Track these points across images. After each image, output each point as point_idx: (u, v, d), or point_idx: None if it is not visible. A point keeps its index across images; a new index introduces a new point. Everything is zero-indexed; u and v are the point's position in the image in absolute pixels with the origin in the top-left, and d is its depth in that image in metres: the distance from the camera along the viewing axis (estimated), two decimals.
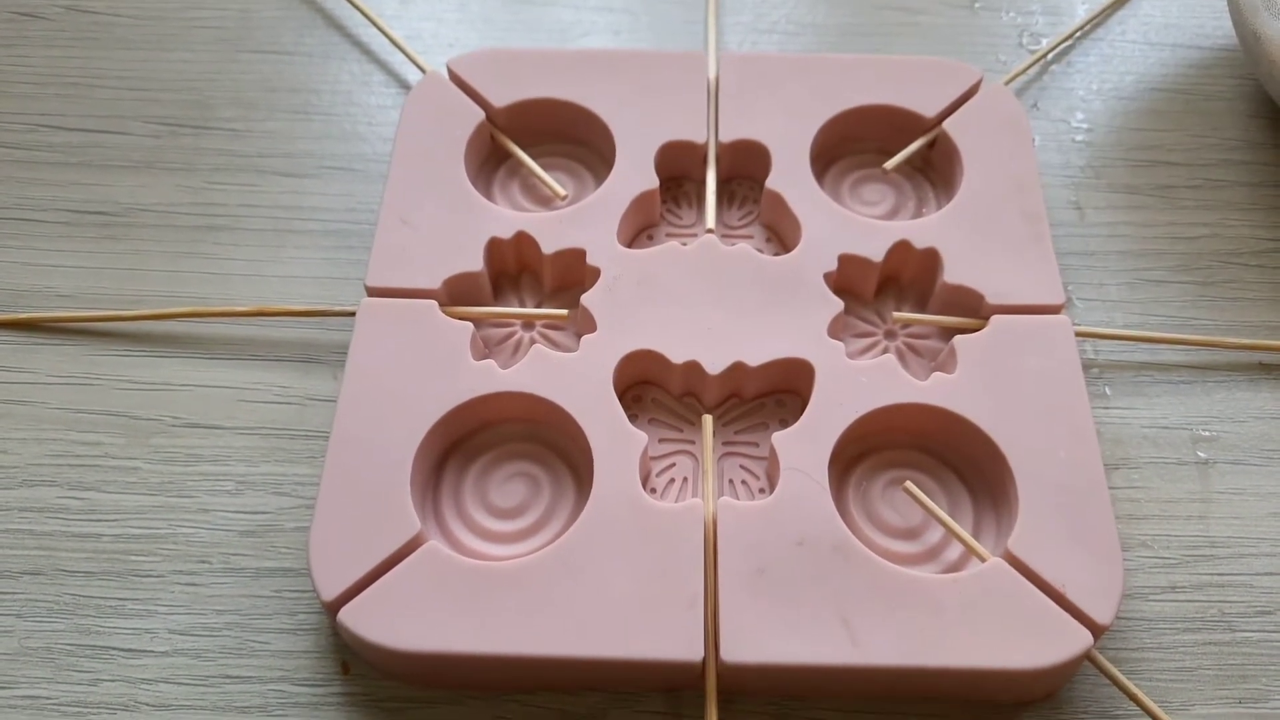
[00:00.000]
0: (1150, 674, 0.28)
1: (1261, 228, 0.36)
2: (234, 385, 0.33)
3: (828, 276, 0.32)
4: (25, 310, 0.34)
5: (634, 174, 0.34)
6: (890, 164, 0.35)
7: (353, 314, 0.32)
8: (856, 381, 0.30)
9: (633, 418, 0.31)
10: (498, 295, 0.34)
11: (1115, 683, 0.27)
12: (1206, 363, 0.34)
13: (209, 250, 0.36)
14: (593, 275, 0.32)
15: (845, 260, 0.33)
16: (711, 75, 0.37)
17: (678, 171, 0.36)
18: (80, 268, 0.35)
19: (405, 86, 0.40)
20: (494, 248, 0.33)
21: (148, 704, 0.28)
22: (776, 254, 0.34)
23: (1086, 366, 0.33)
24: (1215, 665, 0.28)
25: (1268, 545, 0.30)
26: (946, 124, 0.36)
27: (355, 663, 0.28)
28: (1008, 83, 0.39)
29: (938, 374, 0.31)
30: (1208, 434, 0.32)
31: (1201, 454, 0.32)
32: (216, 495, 0.31)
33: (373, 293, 0.32)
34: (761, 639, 0.26)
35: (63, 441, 0.32)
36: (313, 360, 0.33)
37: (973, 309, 0.32)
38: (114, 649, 0.28)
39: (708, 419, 0.31)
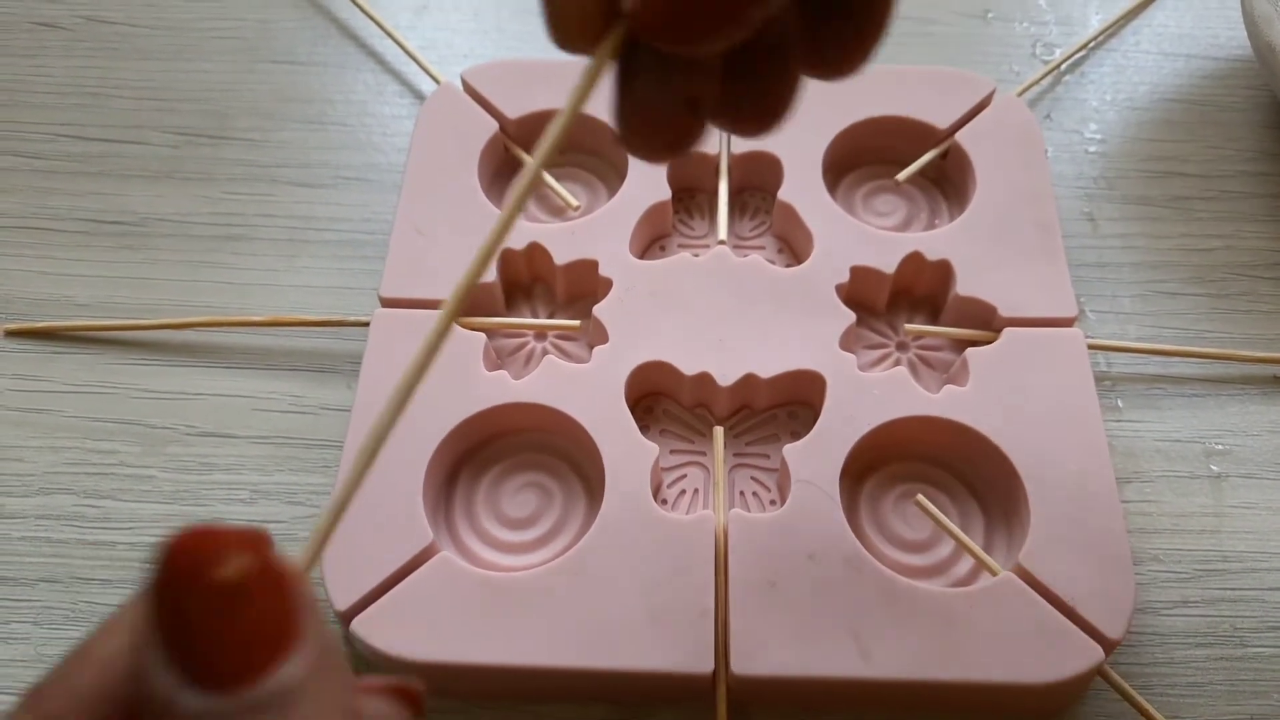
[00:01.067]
0: (1162, 689, 0.28)
1: (1276, 240, 0.36)
2: (249, 394, 0.33)
3: (839, 288, 0.32)
4: (43, 319, 0.34)
5: (646, 185, 0.34)
6: (902, 175, 0.35)
7: (367, 324, 0.32)
8: (868, 394, 0.30)
9: (644, 429, 0.31)
10: (510, 306, 0.34)
11: (1126, 698, 0.27)
12: (1220, 376, 0.33)
13: (225, 260, 0.36)
14: (605, 286, 0.33)
15: (857, 272, 0.33)
16: None
17: (690, 183, 0.36)
18: (98, 277, 0.35)
19: (420, 97, 0.40)
20: (507, 258, 0.33)
21: None
22: (788, 265, 0.34)
23: (1099, 379, 0.33)
24: (1227, 680, 0.28)
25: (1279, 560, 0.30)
26: (959, 135, 0.36)
27: (368, 673, 0.28)
28: (1021, 93, 0.38)
29: (949, 386, 0.31)
30: (1221, 447, 0.32)
31: (1214, 467, 0.32)
32: (231, 504, 0.31)
33: (386, 303, 0.32)
34: (772, 651, 0.26)
35: (79, 450, 0.32)
36: (327, 370, 0.33)
37: (985, 321, 0.32)
38: None
39: (719, 430, 0.31)
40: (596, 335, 0.32)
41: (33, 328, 0.34)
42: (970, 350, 0.31)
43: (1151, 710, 0.27)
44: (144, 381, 0.33)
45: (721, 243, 0.34)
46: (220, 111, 0.40)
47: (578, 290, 0.34)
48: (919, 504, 0.29)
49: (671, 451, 0.31)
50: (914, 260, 0.33)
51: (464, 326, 0.32)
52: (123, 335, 0.34)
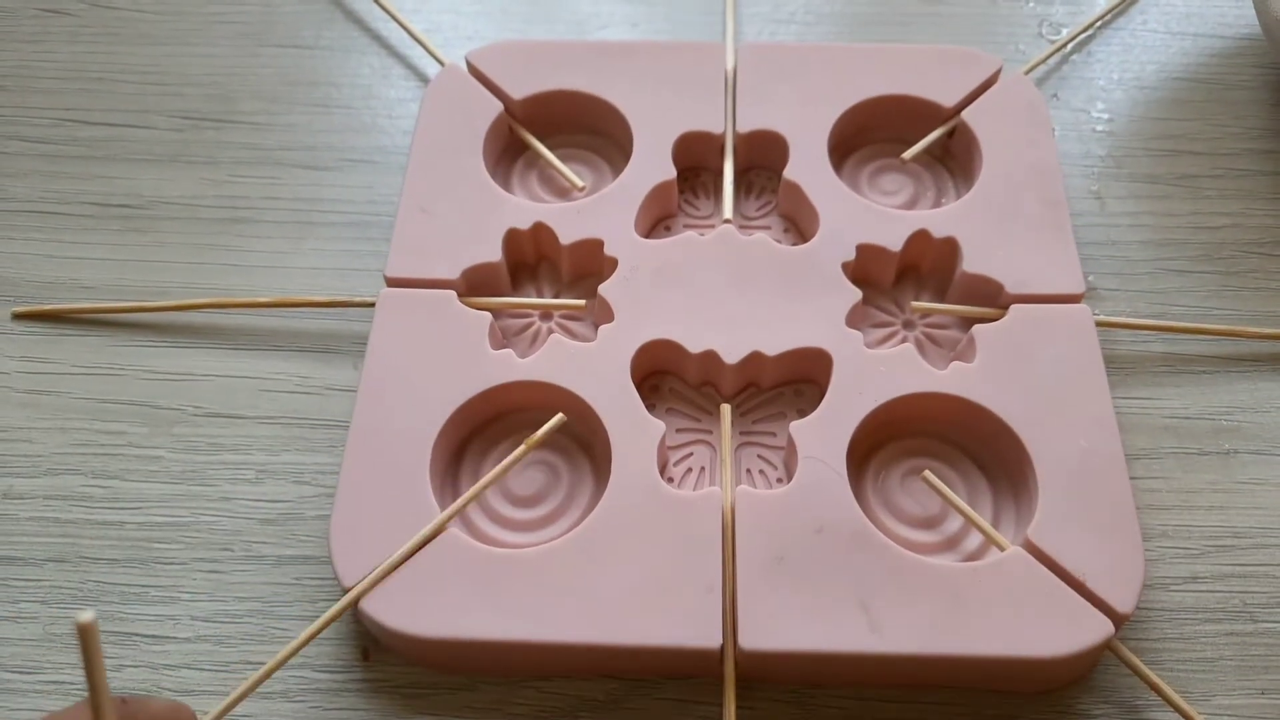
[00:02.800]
0: (1171, 664, 0.28)
1: None
2: (255, 375, 0.33)
3: (846, 266, 0.32)
4: (51, 302, 0.34)
5: (651, 165, 0.34)
6: (908, 154, 0.35)
7: (372, 304, 0.32)
8: (875, 371, 0.30)
9: (650, 407, 0.31)
10: (516, 285, 0.34)
11: (1136, 672, 0.27)
12: (1229, 353, 0.33)
13: (231, 242, 0.36)
14: (610, 265, 0.33)
15: (863, 250, 0.33)
16: (729, 65, 0.37)
17: (695, 162, 0.36)
18: (105, 260, 0.35)
19: (424, 79, 0.40)
20: (512, 238, 0.33)
21: (171, 689, 0.28)
22: (794, 244, 0.34)
23: (1107, 356, 0.33)
24: (1237, 655, 0.28)
25: None
26: (965, 113, 0.35)
27: (376, 649, 0.28)
28: (1027, 72, 0.38)
29: (957, 363, 0.31)
30: (1230, 424, 0.32)
31: (1224, 444, 0.32)
32: (238, 484, 0.31)
33: (392, 283, 0.32)
34: (780, 626, 0.26)
35: (87, 431, 0.32)
36: (333, 350, 0.33)
37: (992, 298, 0.32)
38: (137, 635, 0.29)
39: (726, 408, 0.31)
40: (602, 314, 0.32)
41: (41, 310, 0.34)
42: (977, 327, 0.31)
43: (1161, 684, 0.27)
44: (151, 363, 0.33)
45: (727, 222, 0.34)
46: (225, 95, 0.40)
47: (583, 270, 0.34)
48: (926, 480, 0.29)
49: (678, 430, 0.31)
50: (920, 238, 0.33)
51: (470, 306, 0.32)
52: (130, 317, 0.34)
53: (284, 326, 0.34)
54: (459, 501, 0.28)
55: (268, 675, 0.27)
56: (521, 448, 0.29)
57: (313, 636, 0.27)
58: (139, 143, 0.38)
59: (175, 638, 0.29)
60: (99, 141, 0.38)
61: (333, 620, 0.27)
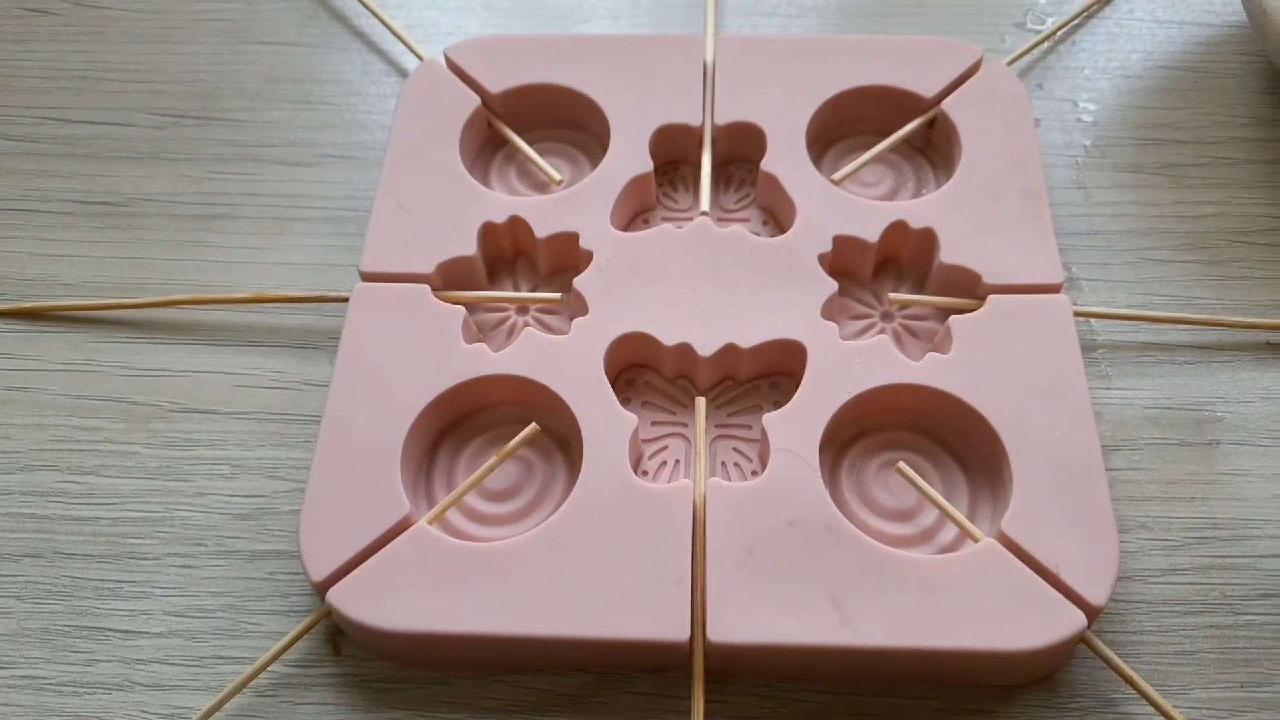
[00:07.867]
0: (1150, 657, 0.28)
1: (1271, 206, 0.36)
2: (232, 371, 0.33)
3: (822, 258, 0.32)
4: (30, 299, 0.35)
5: (628, 158, 0.34)
6: (885, 145, 0.35)
7: (348, 299, 0.32)
8: (850, 362, 0.30)
9: (625, 401, 0.31)
10: (493, 280, 0.34)
11: (1110, 665, 0.27)
12: (1212, 343, 0.33)
13: (210, 239, 0.36)
14: (586, 258, 0.32)
15: (840, 241, 0.32)
16: (708, 58, 0.37)
17: (673, 155, 0.36)
18: (84, 257, 0.36)
19: (405, 75, 0.40)
20: (488, 232, 0.33)
21: (143, 684, 0.28)
22: (772, 236, 0.34)
23: (1088, 347, 0.33)
24: (1216, 649, 0.28)
25: (1272, 527, 0.30)
26: (945, 104, 0.35)
27: (346, 644, 0.28)
28: (1011, 63, 0.38)
29: (933, 354, 0.30)
30: (1212, 415, 0.32)
31: (1206, 435, 0.31)
32: (213, 479, 0.31)
33: (367, 277, 0.32)
34: (749, 618, 0.26)
35: (64, 427, 0.32)
36: (310, 346, 0.33)
37: (970, 289, 0.32)
38: (110, 630, 0.29)
39: (700, 401, 0.31)
40: (577, 308, 0.32)
41: (20, 308, 0.34)
42: (954, 318, 0.31)
43: (1135, 676, 0.26)
44: (129, 359, 0.33)
45: (704, 214, 0.34)
46: (207, 93, 0.40)
47: (559, 263, 0.34)
48: (901, 471, 0.29)
49: (653, 423, 0.31)
50: (898, 229, 0.33)
51: (444, 300, 0.32)
52: (108, 314, 0.34)
53: (261, 322, 0.34)
54: (436, 509, 0.28)
55: (258, 673, 0.27)
56: (494, 459, 0.29)
57: (301, 635, 0.27)
58: (120, 140, 0.38)
59: (148, 632, 0.29)
60: (80, 140, 0.38)
61: (319, 620, 0.28)
